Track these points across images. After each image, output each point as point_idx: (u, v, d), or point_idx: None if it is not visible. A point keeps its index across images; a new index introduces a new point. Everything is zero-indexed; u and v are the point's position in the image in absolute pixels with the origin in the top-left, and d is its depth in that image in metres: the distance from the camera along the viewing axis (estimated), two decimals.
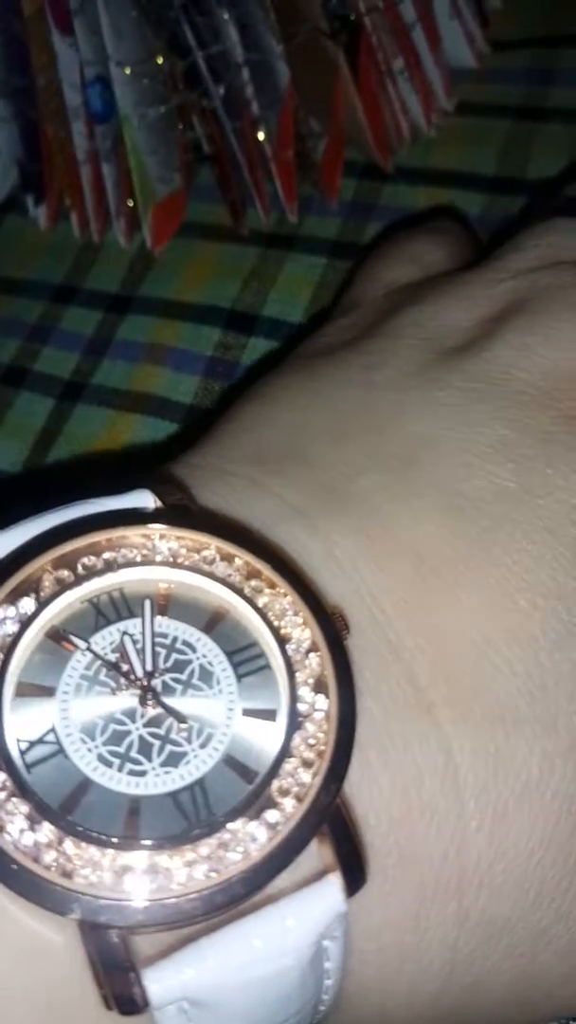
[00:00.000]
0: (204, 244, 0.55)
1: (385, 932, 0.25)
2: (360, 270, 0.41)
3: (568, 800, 0.25)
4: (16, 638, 0.23)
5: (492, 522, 0.27)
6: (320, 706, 0.23)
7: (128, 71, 0.50)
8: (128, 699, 0.23)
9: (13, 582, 0.24)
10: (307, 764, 0.23)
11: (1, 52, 0.53)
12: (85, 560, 0.24)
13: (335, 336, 0.36)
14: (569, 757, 0.26)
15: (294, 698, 0.23)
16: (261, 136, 0.52)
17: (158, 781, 0.22)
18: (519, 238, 0.36)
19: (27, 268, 0.57)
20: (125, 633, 0.24)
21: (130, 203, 0.55)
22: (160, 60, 0.50)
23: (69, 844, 0.21)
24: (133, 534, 0.25)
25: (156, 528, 0.25)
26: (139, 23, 0.49)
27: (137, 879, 0.21)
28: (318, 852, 0.23)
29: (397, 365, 0.31)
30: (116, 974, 0.21)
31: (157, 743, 0.23)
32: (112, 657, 0.23)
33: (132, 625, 0.24)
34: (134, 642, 0.24)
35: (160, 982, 0.21)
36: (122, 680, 0.23)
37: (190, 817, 0.22)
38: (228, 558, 0.25)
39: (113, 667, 0.23)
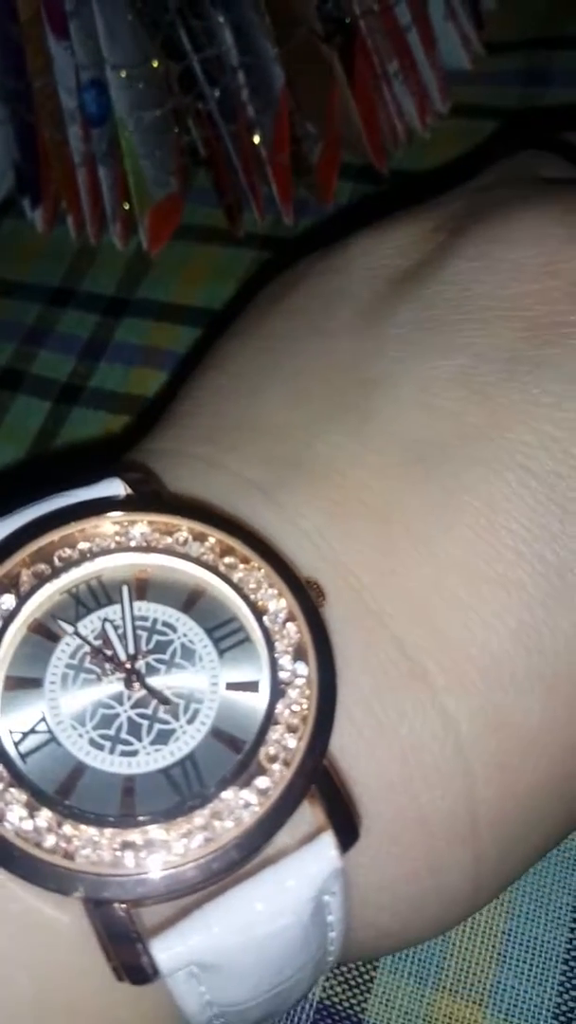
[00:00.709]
0: (200, 247, 0.56)
1: (399, 884, 0.25)
2: None
3: (571, 737, 0.26)
4: None
5: (460, 466, 0.26)
6: (301, 673, 0.24)
7: (124, 75, 0.51)
8: (114, 683, 0.24)
9: None
10: (292, 729, 0.23)
11: None
12: (61, 552, 0.25)
13: (277, 291, 0.34)
14: (568, 708, 0.26)
15: (275, 667, 0.24)
16: (256, 139, 0.53)
17: (149, 759, 0.23)
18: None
19: (24, 271, 0.58)
20: (106, 619, 0.24)
21: (126, 206, 0.55)
22: (155, 64, 0.51)
23: (68, 827, 0.22)
24: (106, 522, 0.25)
25: (127, 515, 0.26)
26: (134, 27, 0.50)
27: (136, 854, 0.22)
28: (311, 813, 0.23)
29: (350, 304, 0.30)
30: (124, 946, 0.22)
31: (146, 723, 0.23)
32: (95, 644, 0.24)
33: (112, 611, 0.25)
34: (115, 627, 0.24)
35: (168, 950, 0.22)
36: (107, 665, 0.24)
37: (183, 791, 0.23)
38: (200, 537, 0.25)
39: (97, 653, 0.24)
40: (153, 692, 0.24)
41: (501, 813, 0.26)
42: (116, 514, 0.25)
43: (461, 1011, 0.33)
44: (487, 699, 0.25)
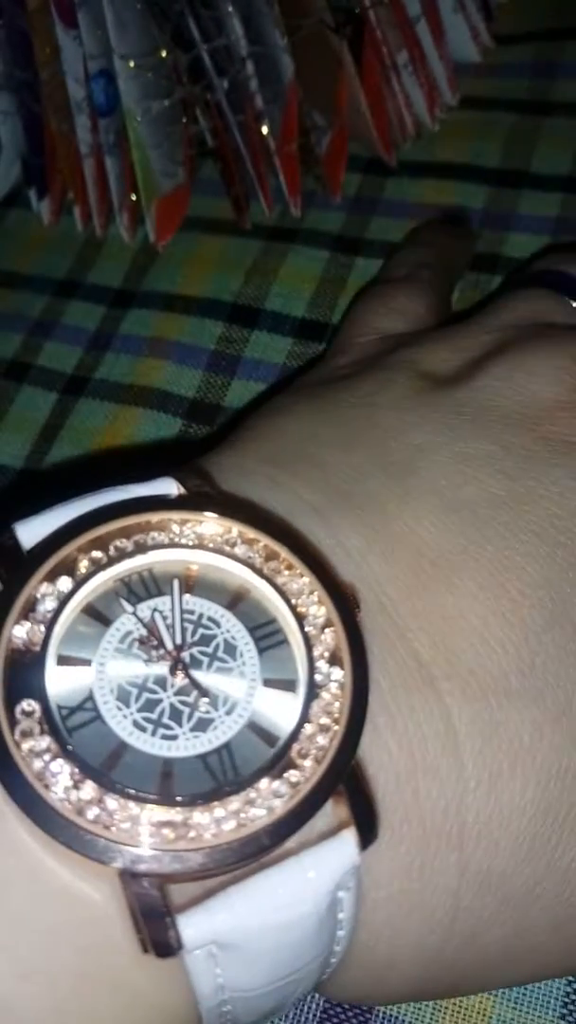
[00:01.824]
0: (207, 238, 0.56)
1: (393, 880, 0.27)
2: (350, 317, 0.44)
3: (556, 764, 0.28)
4: (56, 614, 0.25)
5: (484, 523, 0.30)
6: (335, 677, 0.25)
7: (132, 65, 0.50)
8: (159, 669, 0.25)
9: (51, 563, 0.26)
10: (324, 730, 0.25)
11: (5, 45, 0.54)
12: (117, 542, 0.26)
13: (330, 372, 0.39)
14: (556, 726, 0.28)
15: (312, 670, 0.25)
16: (265, 130, 0.53)
17: (188, 745, 0.24)
18: (500, 301, 0.40)
19: (30, 262, 0.58)
20: (155, 610, 0.26)
21: (133, 197, 0.55)
22: (164, 54, 0.51)
23: (110, 800, 0.23)
24: (161, 518, 0.27)
25: (183, 512, 0.27)
26: (143, 16, 0.50)
27: (173, 832, 0.23)
28: (334, 809, 0.25)
29: (395, 391, 0.35)
30: (154, 920, 0.23)
31: (187, 710, 0.25)
32: (144, 632, 0.25)
33: (161, 602, 0.26)
34: (163, 618, 0.26)
35: (194, 927, 0.23)
36: (153, 652, 0.25)
37: (218, 777, 0.24)
38: (249, 541, 0.27)
39: (145, 641, 0.25)
40: (195, 682, 0.25)
41: (487, 827, 0.27)
42: (172, 511, 0.27)
43: (471, 999, 0.34)
44: (484, 708, 0.28)
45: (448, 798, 0.27)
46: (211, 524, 0.27)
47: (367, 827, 0.25)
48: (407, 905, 0.27)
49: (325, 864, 0.24)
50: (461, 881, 0.27)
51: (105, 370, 0.52)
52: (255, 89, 0.52)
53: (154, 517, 0.27)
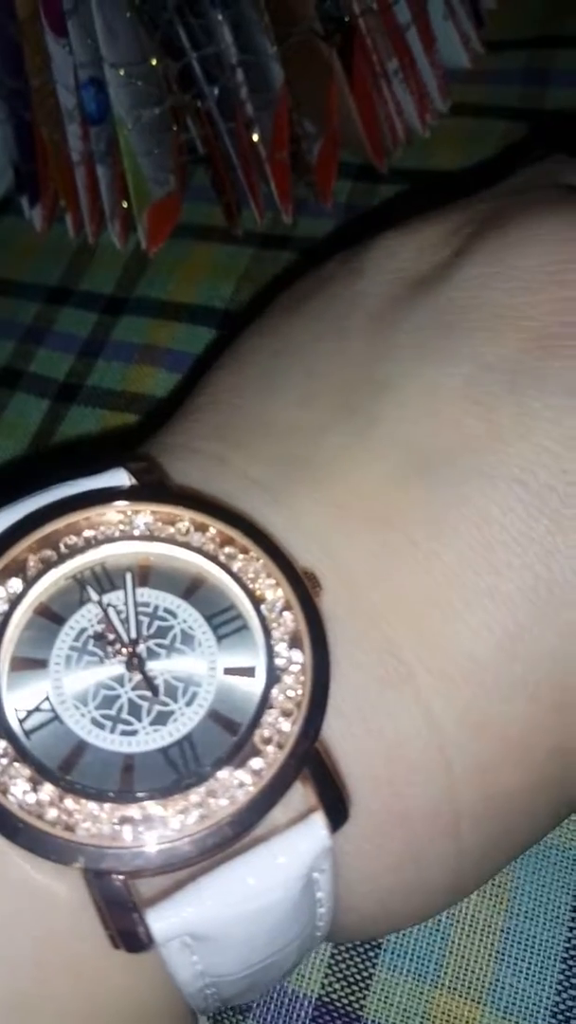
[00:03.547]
0: (199, 245, 0.56)
1: (384, 876, 0.26)
2: None
3: (548, 747, 0.27)
4: (7, 616, 0.25)
5: (461, 477, 0.26)
6: (296, 660, 0.25)
7: (122, 73, 0.51)
8: (116, 666, 0.25)
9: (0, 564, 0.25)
10: (286, 714, 0.24)
11: None
12: (67, 539, 0.26)
13: (300, 290, 0.35)
14: (548, 715, 0.26)
15: (271, 654, 0.25)
16: (255, 137, 0.53)
17: (149, 739, 0.24)
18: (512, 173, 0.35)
19: (22, 269, 0.58)
20: (109, 605, 0.25)
21: (125, 204, 0.56)
22: (154, 62, 0.51)
23: (69, 801, 0.23)
24: (110, 511, 0.26)
25: (132, 504, 0.26)
26: (133, 25, 0.50)
27: (135, 828, 0.23)
28: (303, 794, 0.24)
29: (367, 306, 0.30)
30: (121, 916, 0.23)
31: (146, 704, 0.24)
32: (99, 628, 0.25)
33: (115, 597, 0.26)
34: (118, 612, 0.25)
35: (162, 920, 0.23)
36: (109, 648, 0.25)
37: (180, 769, 0.24)
38: (201, 528, 0.26)
39: (100, 637, 0.25)
40: (148, 679, 0.25)
41: (483, 812, 0.27)
42: (121, 503, 0.26)
43: (460, 1008, 0.34)
44: (471, 703, 0.26)
45: (437, 799, 0.26)
46: (161, 513, 0.27)
47: (336, 809, 0.24)
48: (404, 891, 0.27)
49: (295, 848, 0.24)
50: (460, 859, 0.27)
51: (97, 377, 0.52)
52: (245, 97, 0.52)
53: (103, 511, 0.26)
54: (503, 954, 0.34)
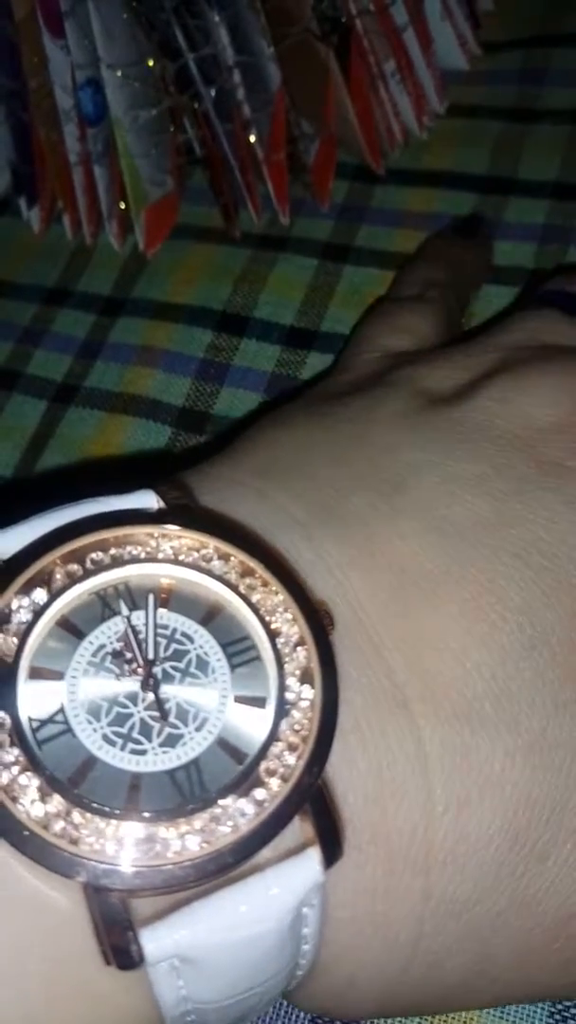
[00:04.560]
0: (196, 246, 0.56)
1: (358, 901, 0.27)
2: (356, 335, 0.44)
3: (525, 794, 0.28)
4: (30, 626, 0.25)
5: (469, 544, 0.30)
6: (306, 695, 0.25)
7: (119, 74, 0.51)
8: (131, 684, 0.25)
9: (27, 575, 0.26)
10: (292, 748, 0.25)
11: None
12: (93, 555, 0.26)
13: (332, 387, 0.40)
14: (528, 756, 0.28)
15: (282, 687, 0.25)
16: (252, 138, 0.53)
17: (157, 760, 0.24)
18: (507, 320, 0.40)
19: (20, 270, 0.58)
20: (129, 624, 0.26)
21: (122, 205, 0.56)
22: (151, 63, 0.51)
23: (76, 814, 0.23)
24: (138, 532, 0.27)
25: (160, 527, 0.27)
26: (130, 26, 0.50)
27: (137, 847, 0.23)
28: (300, 827, 0.25)
29: (391, 408, 0.35)
30: (116, 932, 0.23)
31: (157, 725, 0.25)
32: (117, 645, 0.26)
33: (136, 616, 0.26)
34: (137, 632, 0.26)
35: (155, 940, 0.23)
36: (125, 667, 0.25)
37: (185, 793, 0.24)
38: (225, 557, 0.27)
39: (118, 655, 0.25)
40: (160, 704, 0.25)
41: (453, 854, 0.27)
42: (150, 526, 0.27)
43: None
44: (457, 733, 0.27)
45: (415, 821, 0.27)
46: (187, 539, 0.27)
47: (332, 845, 0.25)
48: (371, 927, 0.27)
49: (288, 881, 0.24)
50: (426, 906, 0.27)
51: (95, 378, 0.52)
52: (242, 98, 0.52)
53: (131, 531, 0.27)
54: None
